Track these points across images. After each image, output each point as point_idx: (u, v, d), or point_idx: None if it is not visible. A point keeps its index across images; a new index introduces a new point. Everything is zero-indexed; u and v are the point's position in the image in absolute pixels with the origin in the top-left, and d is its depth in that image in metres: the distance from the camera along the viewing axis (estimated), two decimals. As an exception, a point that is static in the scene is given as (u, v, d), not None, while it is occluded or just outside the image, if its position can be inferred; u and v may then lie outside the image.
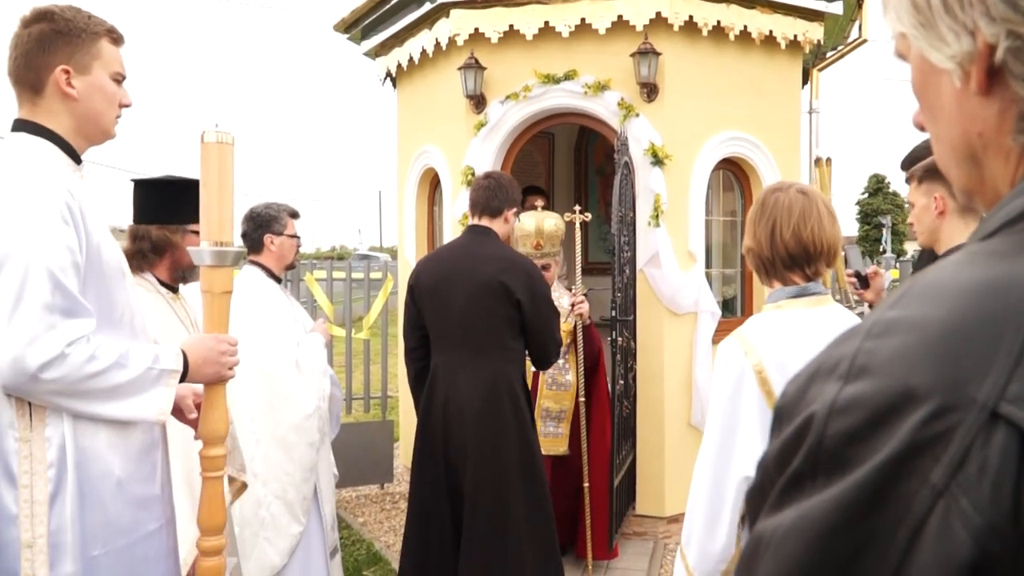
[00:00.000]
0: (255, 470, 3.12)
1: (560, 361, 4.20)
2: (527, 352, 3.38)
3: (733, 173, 5.19)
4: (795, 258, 1.98)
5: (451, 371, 3.28)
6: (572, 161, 6.86)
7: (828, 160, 2.83)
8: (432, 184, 5.82)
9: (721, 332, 4.84)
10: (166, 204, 2.69)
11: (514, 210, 3.43)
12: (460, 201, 5.09)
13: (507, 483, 3.17)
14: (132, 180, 2.75)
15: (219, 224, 1.98)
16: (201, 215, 1.99)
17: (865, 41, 5.49)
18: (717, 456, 1.88)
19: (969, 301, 0.50)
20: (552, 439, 4.28)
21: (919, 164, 2.48)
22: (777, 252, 1.98)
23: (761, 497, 0.56)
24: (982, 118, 0.62)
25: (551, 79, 4.86)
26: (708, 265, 5.09)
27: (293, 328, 3.36)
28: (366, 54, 6.15)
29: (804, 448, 0.52)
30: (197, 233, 2.66)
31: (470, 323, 3.25)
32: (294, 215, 3.48)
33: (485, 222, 3.38)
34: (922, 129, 0.72)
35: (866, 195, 46.78)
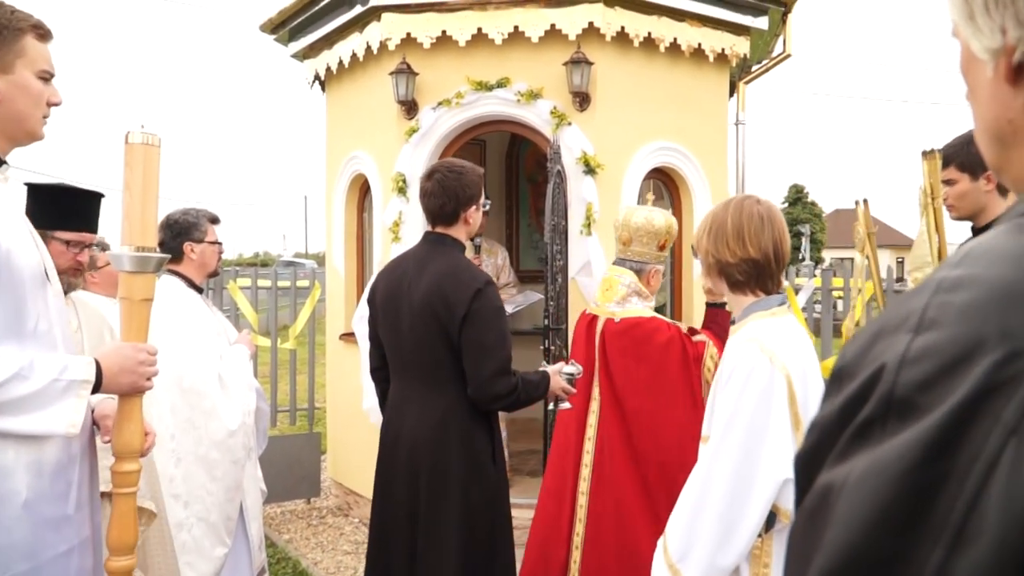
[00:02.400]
0: (175, 491, 2.97)
1: None
2: None
3: (663, 182, 5.25)
4: (783, 267, 2.08)
5: (400, 405, 2.88)
6: (503, 168, 6.85)
7: (865, 201, 2.98)
8: (362, 190, 5.71)
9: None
10: (37, 209, 2.54)
11: (473, 207, 2.88)
12: (391, 208, 5.01)
13: (448, 544, 2.73)
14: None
15: (142, 228, 1.88)
16: (123, 218, 1.88)
17: (788, 56, 5.64)
18: (740, 464, 1.84)
19: None
20: None
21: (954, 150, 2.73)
22: (778, 261, 2.04)
23: (818, 456, 0.58)
24: (1012, 107, 0.67)
25: (484, 86, 4.84)
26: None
27: (216, 340, 3.21)
28: (293, 56, 6.00)
29: (875, 397, 0.54)
30: (65, 242, 2.55)
31: (417, 350, 2.80)
32: (214, 220, 3.34)
33: (440, 230, 2.90)
34: (969, 101, 0.78)
35: (786, 204, 48.31)
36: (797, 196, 48.81)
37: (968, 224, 2.73)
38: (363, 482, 5.41)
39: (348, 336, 5.53)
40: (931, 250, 2.69)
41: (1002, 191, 2.71)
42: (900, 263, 22.95)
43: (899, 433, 0.51)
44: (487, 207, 3.05)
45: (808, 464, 0.60)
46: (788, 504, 1.84)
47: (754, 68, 6.06)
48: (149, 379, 1.98)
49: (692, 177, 5.11)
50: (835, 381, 0.60)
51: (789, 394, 1.86)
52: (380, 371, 3.07)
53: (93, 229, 2.76)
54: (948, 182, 2.71)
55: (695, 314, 5.04)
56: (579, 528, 3.12)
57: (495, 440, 2.88)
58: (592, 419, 3.16)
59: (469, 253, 5.49)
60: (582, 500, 3.14)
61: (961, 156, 2.66)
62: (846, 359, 0.60)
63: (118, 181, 1.89)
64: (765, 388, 1.86)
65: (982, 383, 0.49)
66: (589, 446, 3.15)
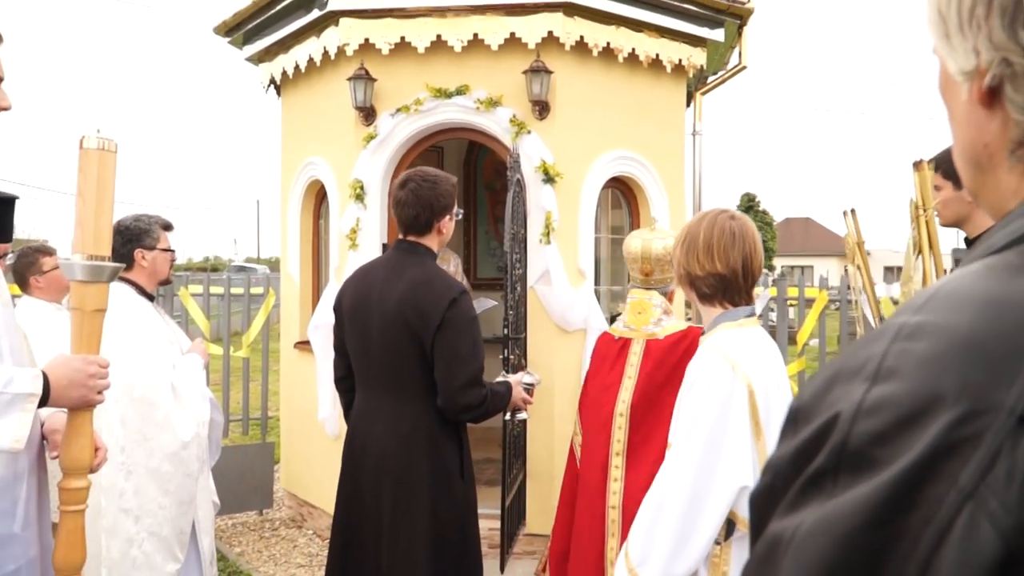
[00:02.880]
0: (125, 505, 2.87)
1: None
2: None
3: (621, 191, 5.28)
4: (754, 281, 2.11)
5: (367, 415, 2.83)
6: (462, 176, 6.82)
7: (853, 211, 2.95)
8: (318, 197, 5.63)
9: (610, 349, 4.90)
10: None
11: (447, 218, 2.88)
12: (348, 215, 4.95)
13: (416, 556, 2.70)
14: None
15: (95, 237, 1.81)
16: (76, 225, 1.81)
17: (744, 67, 5.73)
18: (698, 472, 1.86)
19: (995, 311, 0.52)
20: None
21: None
22: (746, 276, 2.07)
23: (771, 499, 0.56)
24: (986, 130, 0.65)
25: (443, 93, 4.81)
26: (597, 282, 5.14)
27: (168, 349, 3.13)
28: (248, 59, 5.90)
29: (827, 447, 0.52)
30: None
31: (386, 359, 2.76)
32: (167, 227, 3.25)
33: (412, 238, 2.87)
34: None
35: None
36: (749, 204, 49.59)
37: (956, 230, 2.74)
38: (318, 493, 5.33)
39: (303, 344, 5.44)
40: (912, 264, 2.64)
41: None
42: (847, 271, 23.40)
43: (851, 488, 0.49)
44: (459, 216, 3.04)
45: (761, 506, 0.58)
46: (745, 512, 1.85)
47: (710, 79, 6.14)
48: (100, 393, 1.92)
49: (650, 187, 5.14)
50: (791, 422, 0.58)
51: (751, 404, 1.89)
52: (345, 380, 3.02)
53: (5, 238, 2.67)
54: (935, 188, 2.72)
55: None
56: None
57: (463, 452, 2.85)
58: (618, 447, 3.05)
59: None
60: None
61: (946, 164, 2.70)
62: (803, 400, 0.58)
63: (69, 186, 1.83)
64: (726, 397, 1.89)
65: (939, 442, 0.47)
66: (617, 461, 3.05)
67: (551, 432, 4.80)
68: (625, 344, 3.19)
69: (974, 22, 0.61)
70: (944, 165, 2.72)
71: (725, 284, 2.05)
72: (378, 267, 2.92)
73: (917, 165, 2.51)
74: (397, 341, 2.72)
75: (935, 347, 0.51)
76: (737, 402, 1.89)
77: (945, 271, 2.66)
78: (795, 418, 0.58)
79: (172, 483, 2.97)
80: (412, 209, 2.81)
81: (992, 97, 0.63)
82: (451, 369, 2.69)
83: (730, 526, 1.91)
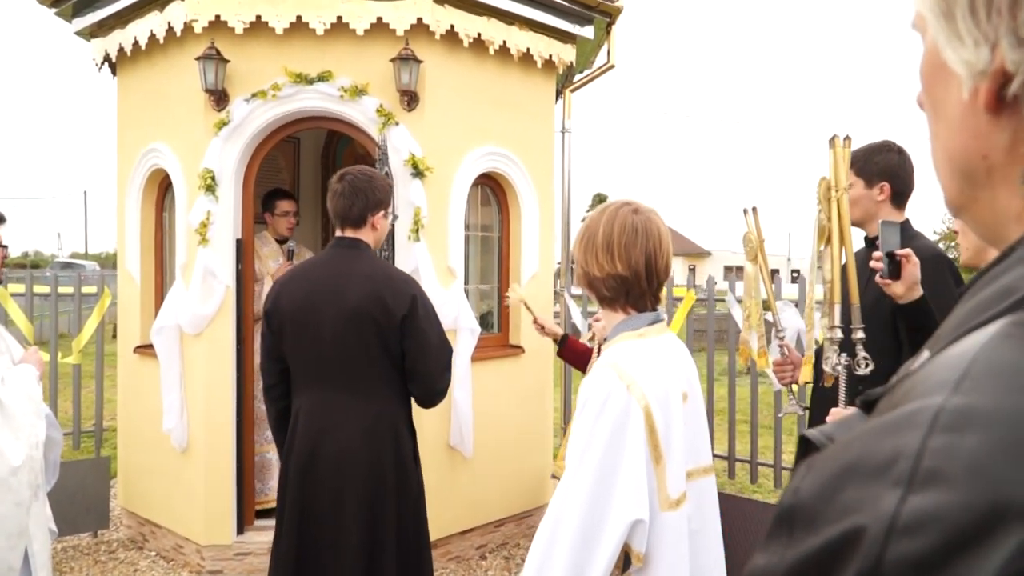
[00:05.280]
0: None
1: None
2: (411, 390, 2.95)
3: (491, 188, 5.14)
4: (660, 283, 1.93)
5: (320, 415, 2.82)
6: (319, 168, 6.47)
7: (755, 209, 2.75)
8: (162, 187, 5.14)
9: (480, 349, 4.76)
10: None
11: (381, 213, 2.94)
12: (197, 208, 4.53)
13: (384, 550, 2.80)
14: None
15: None
16: None
17: (612, 66, 5.74)
18: (591, 503, 1.69)
19: None
20: None
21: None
22: (651, 277, 1.89)
23: None
24: (989, 139, 0.51)
25: (303, 79, 4.49)
26: (466, 281, 4.98)
27: (-10, 360, 2.70)
28: (78, 34, 5.30)
29: (850, 573, 0.40)
30: None
31: (344, 357, 2.80)
32: (-1, 220, 2.82)
33: (350, 233, 2.91)
34: (923, 108, 0.61)
35: (589, 213, 50.09)
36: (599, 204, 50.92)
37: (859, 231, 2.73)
38: (162, 510, 4.90)
39: (144, 349, 4.98)
40: (817, 252, 2.45)
41: (896, 203, 2.74)
42: (692, 270, 24.46)
43: None
44: (395, 218, 3.10)
45: None
46: (640, 546, 1.73)
47: (578, 77, 6.12)
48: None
49: (520, 183, 5.04)
50: (783, 523, 0.47)
51: (648, 426, 1.74)
52: (276, 388, 2.97)
53: None
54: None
55: (523, 327, 4.98)
56: None
57: (414, 438, 3.02)
58: None
59: (281, 258, 5.16)
60: None
61: (861, 162, 2.69)
62: (801, 498, 0.46)
63: None
64: (620, 419, 1.72)
65: (1008, 571, 0.36)
66: None
67: (420, 436, 4.60)
68: None
69: (994, 8, 0.47)
70: (859, 163, 2.71)
71: (627, 286, 1.89)
72: (318, 266, 2.92)
73: (832, 141, 2.36)
74: (359, 338, 2.77)
75: (992, 442, 0.39)
76: (633, 425, 1.73)
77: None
78: (789, 519, 0.46)
79: (-4, 515, 2.56)
80: (347, 200, 2.87)
81: (1003, 104, 0.50)
82: (426, 358, 2.83)
83: (626, 560, 1.77)
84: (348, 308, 2.78)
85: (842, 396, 2.33)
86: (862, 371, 2.31)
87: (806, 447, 0.56)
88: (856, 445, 0.45)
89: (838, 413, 2.14)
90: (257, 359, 4.94)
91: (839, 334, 2.35)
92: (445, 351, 2.94)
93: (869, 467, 0.43)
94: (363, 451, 2.78)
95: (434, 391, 2.92)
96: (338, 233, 2.95)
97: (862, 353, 2.33)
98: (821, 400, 2.74)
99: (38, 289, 5.60)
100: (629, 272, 1.87)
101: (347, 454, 2.78)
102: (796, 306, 4.69)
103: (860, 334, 2.33)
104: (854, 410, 0.58)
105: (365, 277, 2.81)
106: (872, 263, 2.35)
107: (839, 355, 2.33)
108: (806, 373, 2.51)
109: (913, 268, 2.30)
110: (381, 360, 2.81)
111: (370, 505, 2.78)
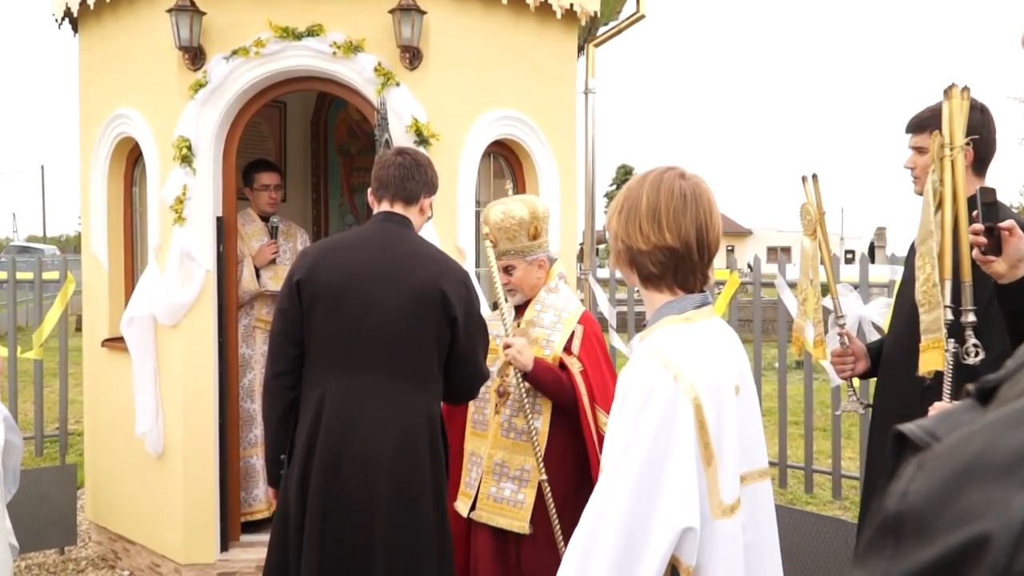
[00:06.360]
0: None
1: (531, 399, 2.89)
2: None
3: (504, 157, 4.68)
4: (711, 258, 1.79)
5: (352, 401, 2.61)
6: (309, 136, 5.95)
7: (815, 176, 2.54)
8: (131, 158, 4.68)
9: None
10: None
11: (432, 199, 2.84)
12: (172, 181, 4.07)
13: (426, 554, 2.64)
14: None
15: None
16: None
17: (642, 16, 5.27)
18: (634, 508, 1.57)
19: None
20: (508, 508, 2.86)
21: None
22: (702, 250, 1.75)
23: None
24: None
25: (290, 33, 4.02)
26: (476, 264, 4.52)
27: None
28: (33, -14, 4.76)
29: None
30: None
31: (395, 339, 2.63)
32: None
33: (399, 210, 2.75)
34: None
35: (614, 187, 48.95)
36: (626, 177, 49.88)
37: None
38: (135, 524, 4.51)
39: (113, 342, 4.55)
40: (931, 219, 2.25)
41: (976, 170, 2.48)
42: (730, 251, 23.75)
43: None
44: (431, 214, 3.00)
45: None
46: (690, 558, 1.61)
47: (603, 30, 5.66)
48: None
49: (537, 152, 4.58)
50: (890, 532, 0.44)
51: (697, 421, 1.62)
52: (287, 376, 2.70)
53: None
54: (917, 150, 2.50)
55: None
56: None
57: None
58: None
59: (264, 237, 4.68)
60: None
61: (935, 124, 2.37)
62: (912, 502, 0.43)
63: None
64: (666, 413, 1.60)
65: None
66: None
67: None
68: None
69: None
70: (935, 122, 2.40)
71: (676, 261, 1.74)
72: (366, 237, 2.76)
73: (948, 92, 2.16)
74: (421, 321, 2.64)
75: None
76: (682, 420, 1.60)
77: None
78: (896, 528, 0.43)
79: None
80: (407, 171, 2.74)
81: None
82: (476, 356, 2.76)
83: (674, 574, 1.63)
84: (409, 288, 2.63)
85: (946, 389, 2.17)
86: (971, 360, 2.15)
87: (902, 445, 0.50)
88: (977, 440, 0.43)
89: (942, 407, 2.03)
90: (242, 351, 4.55)
91: (949, 315, 2.19)
92: (482, 354, 2.88)
93: (994, 465, 0.41)
94: (401, 449, 2.61)
95: (473, 391, 2.89)
96: (385, 207, 2.77)
97: (972, 340, 2.16)
98: (888, 395, 2.60)
99: (-6, 276, 5.17)
100: (680, 243, 1.73)
101: (380, 450, 2.60)
102: (856, 289, 4.25)
103: (971, 317, 2.17)
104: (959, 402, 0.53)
105: (425, 257, 2.71)
106: (971, 237, 2.12)
107: (948, 340, 2.16)
108: (935, 359, 2.16)
109: (1018, 242, 2.05)
110: (432, 351, 2.67)
111: (408, 504, 2.64)
